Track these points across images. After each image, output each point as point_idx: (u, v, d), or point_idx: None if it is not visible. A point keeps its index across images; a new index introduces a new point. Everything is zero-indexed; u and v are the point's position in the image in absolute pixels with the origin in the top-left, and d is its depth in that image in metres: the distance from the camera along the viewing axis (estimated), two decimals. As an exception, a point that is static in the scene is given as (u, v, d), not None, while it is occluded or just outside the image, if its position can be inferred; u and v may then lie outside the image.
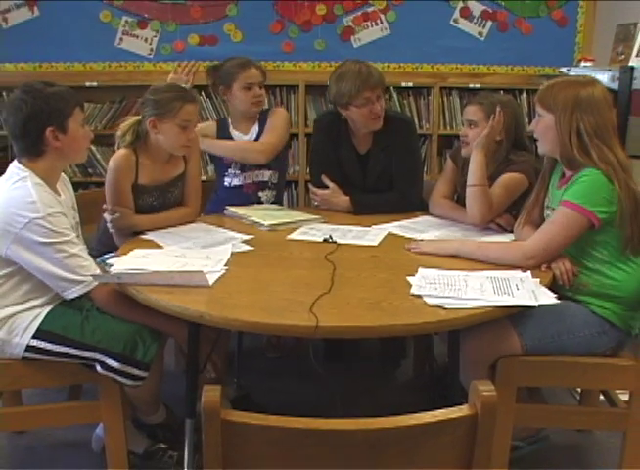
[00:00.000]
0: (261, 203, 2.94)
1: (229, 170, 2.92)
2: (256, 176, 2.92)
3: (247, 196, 2.91)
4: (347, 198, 2.80)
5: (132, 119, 2.52)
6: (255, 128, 2.95)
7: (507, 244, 2.25)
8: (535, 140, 2.19)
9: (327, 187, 2.84)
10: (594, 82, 2.10)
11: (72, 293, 1.98)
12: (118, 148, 2.50)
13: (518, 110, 2.66)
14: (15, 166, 2.04)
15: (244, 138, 2.93)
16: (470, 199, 2.44)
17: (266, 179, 2.93)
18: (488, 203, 2.42)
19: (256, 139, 2.92)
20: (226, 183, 2.93)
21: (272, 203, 2.97)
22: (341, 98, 2.66)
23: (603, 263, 2.05)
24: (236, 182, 2.92)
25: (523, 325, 1.96)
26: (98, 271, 2.00)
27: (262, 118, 2.97)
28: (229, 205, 2.79)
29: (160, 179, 2.54)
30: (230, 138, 2.92)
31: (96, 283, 1.97)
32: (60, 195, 2.10)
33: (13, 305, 2.02)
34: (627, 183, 1.99)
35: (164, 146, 2.49)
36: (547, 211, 2.21)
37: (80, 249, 2.00)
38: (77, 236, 2.16)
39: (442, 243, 2.25)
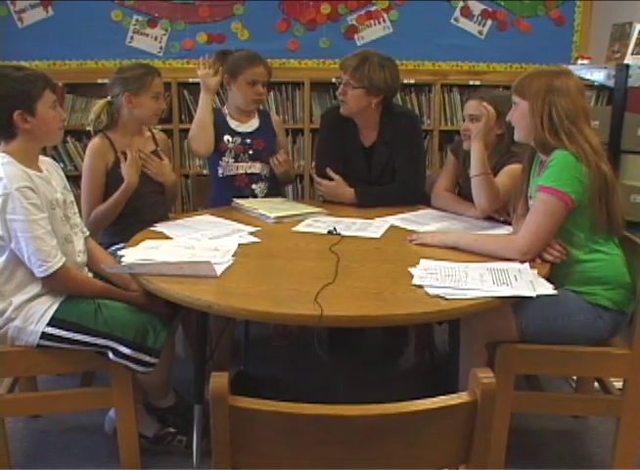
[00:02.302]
0: (256, 196, 2.96)
1: (223, 159, 2.93)
2: (249, 168, 2.94)
3: (239, 189, 2.93)
4: (352, 190, 2.85)
5: (101, 102, 2.65)
6: (255, 123, 2.98)
7: (503, 239, 2.27)
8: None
9: (332, 179, 2.90)
10: (568, 72, 2.16)
11: (37, 273, 2.01)
12: (94, 131, 2.65)
13: None
14: None
15: (241, 128, 2.95)
16: (476, 188, 2.48)
17: (258, 171, 2.96)
18: (494, 190, 2.46)
19: (255, 132, 2.96)
20: (220, 173, 2.94)
21: (268, 196, 2.98)
22: None
23: (580, 249, 2.09)
24: (228, 172, 2.93)
25: (519, 306, 1.99)
26: (58, 258, 2.01)
27: (263, 115, 3.03)
28: (225, 197, 2.85)
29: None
30: (228, 128, 2.94)
31: (54, 269, 2.00)
32: (42, 171, 2.12)
33: (18, 293, 2.05)
34: (597, 164, 2.02)
35: (139, 117, 2.64)
36: (531, 202, 2.23)
37: (44, 232, 1.99)
38: (73, 214, 2.22)
39: (442, 235, 2.28)
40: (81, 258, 2.22)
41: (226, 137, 2.92)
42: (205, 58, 2.90)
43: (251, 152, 2.92)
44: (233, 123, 2.95)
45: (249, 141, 2.93)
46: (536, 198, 2.09)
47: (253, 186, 2.96)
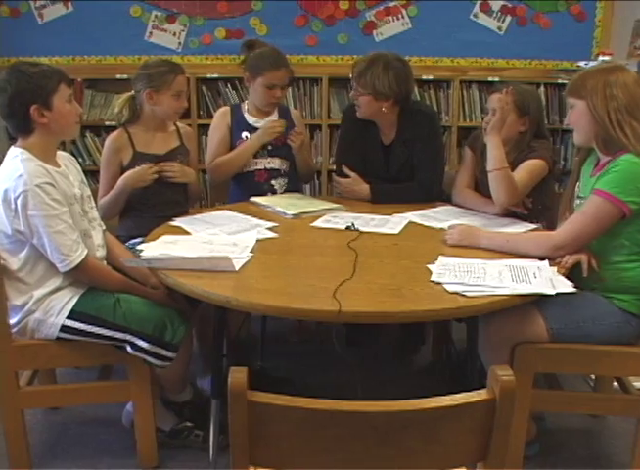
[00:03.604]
0: (275, 191, 2.96)
1: None
2: (268, 163, 2.93)
3: (258, 184, 2.92)
4: (367, 186, 2.85)
5: (125, 96, 2.66)
6: (273, 118, 2.95)
7: (535, 235, 2.25)
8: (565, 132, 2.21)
9: (348, 176, 2.89)
10: (622, 67, 2.11)
11: (60, 268, 2.04)
12: (118, 124, 2.68)
13: (541, 101, 2.68)
14: (12, 147, 2.09)
15: (259, 124, 2.94)
16: (494, 183, 2.45)
17: (277, 167, 2.95)
18: (513, 185, 2.43)
19: None
20: None
21: (287, 191, 2.97)
22: None
23: (622, 256, 2.05)
24: (247, 168, 2.91)
25: (548, 310, 1.97)
26: (80, 251, 2.04)
27: (283, 110, 3.02)
28: (245, 192, 2.86)
29: (157, 149, 2.67)
30: (246, 124, 2.93)
31: (76, 263, 2.02)
32: (60, 167, 2.13)
33: (39, 287, 2.07)
34: None
35: (160, 115, 2.65)
36: (577, 201, 2.21)
37: (65, 226, 2.01)
38: (90, 208, 2.24)
39: (472, 238, 2.21)
40: (100, 252, 2.23)
41: (244, 134, 2.92)
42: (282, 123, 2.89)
43: (269, 147, 2.91)
44: (251, 120, 2.95)
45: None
46: (589, 199, 2.04)
47: (273, 182, 2.95)
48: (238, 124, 2.93)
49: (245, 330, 2.68)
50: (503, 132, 2.46)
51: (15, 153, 2.05)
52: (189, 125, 3.14)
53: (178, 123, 2.81)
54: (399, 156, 2.85)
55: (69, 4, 4.24)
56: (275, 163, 2.95)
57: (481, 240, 2.20)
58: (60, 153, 2.21)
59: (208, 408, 2.28)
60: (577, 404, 2.19)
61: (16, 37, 4.22)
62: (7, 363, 2.08)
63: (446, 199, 2.83)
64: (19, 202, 1.96)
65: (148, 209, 2.65)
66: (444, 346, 2.98)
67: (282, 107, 3.05)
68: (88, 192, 2.28)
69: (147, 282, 2.18)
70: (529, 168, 2.51)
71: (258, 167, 2.93)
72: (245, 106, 2.99)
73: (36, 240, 2.01)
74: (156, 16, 4.31)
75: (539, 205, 2.61)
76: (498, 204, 2.50)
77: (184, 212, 2.72)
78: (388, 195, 2.83)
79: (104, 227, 2.35)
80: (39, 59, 4.19)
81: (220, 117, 2.97)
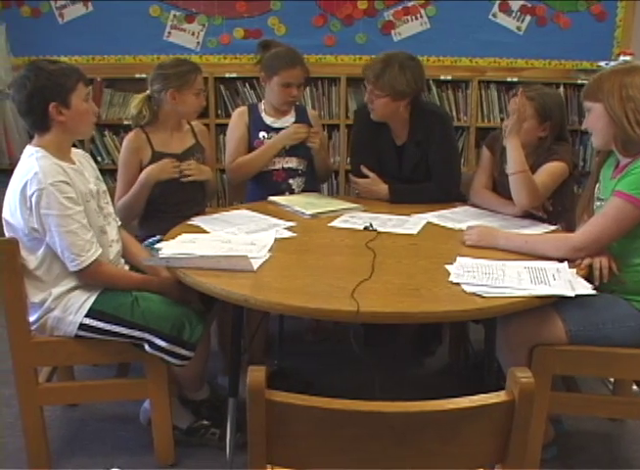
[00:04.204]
0: (293, 191, 2.96)
1: None
2: (286, 163, 2.93)
3: (276, 184, 2.92)
4: (386, 186, 2.84)
5: (140, 96, 2.67)
6: (290, 118, 2.97)
7: (554, 237, 2.24)
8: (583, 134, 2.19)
9: (367, 177, 2.89)
10: (638, 67, 2.08)
11: (70, 267, 2.04)
12: (135, 125, 2.68)
13: (563, 105, 2.64)
14: (28, 146, 2.11)
15: (277, 124, 2.95)
16: (515, 185, 2.43)
17: (294, 166, 2.95)
18: (534, 187, 2.41)
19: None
20: None
21: (304, 191, 2.98)
22: None
23: None
24: (265, 168, 2.91)
25: (567, 312, 1.96)
26: (92, 252, 2.04)
27: (300, 110, 3.02)
28: (263, 192, 2.86)
29: (174, 148, 2.68)
30: (264, 124, 2.94)
31: (87, 263, 2.03)
32: (74, 164, 2.14)
33: (56, 285, 2.09)
34: None
35: (182, 114, 2.67)
36: (597, 203, 2.19)
37: (79, 226, 2.02)
38: (106, 203, 2.25)
39: (490, 238, 2.20)
40: (115, 248, 2.25)
41: (262, 134, 2.92)
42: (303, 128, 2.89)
43: (287, 147, 2.92)
44: (268, 120, 2.95)
45: None
46: (610, 201, 2.03)
47: (290, 181, 2.96)
48: (255, 124, 2.94)
49: (262, 329, 2.68)
50: (522, 137, 2.44)
51: (30, 151, 2.06)
52: (206, 125, 3.15)
53: (192, 122, 2.82)
54: (412, 156, 2.84)
55: (89, 4, 4.29)
56: (293, 162, 2.95)
57: (500, 241, 2.19)
58: (74, 150, 2.22)
59: (225, 407, 2.29)
60: (596, 408, 2.17)
61: (37, 37, 4.28)
62: (26, 360, 2.10)
63: (465, 200, 2.82)
64: (33, 200, 1.97)
65: (167, 209, 2.66)
66: (461, 346, 2.97)
67: (299, 107, 3.05)
68: (104, 187, 2.29)
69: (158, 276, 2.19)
70: (551, 171, 2.49)
71: (276, 167, 2.93)
72: (262, 106, 3.00)
73: (48, 238, 2.02)
74: (174, 15, 4.33)
75: (559, 207, 2.59)
76: (519, 206, 2.48)
77: (202, 211, 2.73)
78: (406, 195, 2.82)
79: (119, 223, 2.36)
80: (59, 58, 4.24)
81: (238, 117, 2.98)
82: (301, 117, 3.00)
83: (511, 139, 2.42)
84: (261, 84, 3.06)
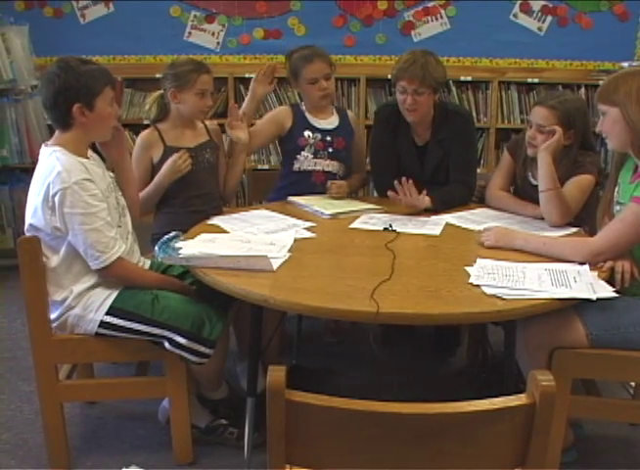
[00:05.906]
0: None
1: (302, 153, 2.90)
2: (327, 166, 2.92)
3: (314, 185, 2.89)
4: (428, 198, 2.66)
5: (154, 94, 2.73)
6: (334, 121, 2.96)
7: (573, 241, 2.22)
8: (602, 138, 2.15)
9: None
10: None
11: (93, 265, 2.05)
12: (150, 121, 2.75)
13: (587, 112, 2.57)
14: (43, 146, 2.12)
15: (322, 125, 2.93)
16: (547, 203, 2.40)
17: (334, 171, 2.93)
18: (565, 204, 2.39)
19: (335, 130, 2.93)
20: (295, 167, 2.91)
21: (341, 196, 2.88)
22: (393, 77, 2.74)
23: None
24: (306, 166, 2.91)
25: (588, 315, 1.94)
26: (115, 249, 2.05)
27: (341, 112, 3.01)
28: (297, 191, 2.84)
29: (187, 143, 2.71)
30: (308, 123, 2.92)
31: (112, 260, 2.04)
32: (89, 158, 2.15)
33: (77, 283, 2.10)
34: None
35: (185, 113, 2.69)
36: (617, 207, 2.17)
37: (103, 224, 2.03)
38: (120, 195, 2.27)
39: (508, 239, 2.19)
40: (130, 239, 2.26)
41: (307, 132, 2.91)
42: (264, 68, 2.87)
43: (330, 150, 2.91)
44: (312, 119, 2.94)
45: (329, 138, 2.92)
46: (628, 206, 2.02)
47: (328, 184, 2.90)
48: (300, 123, 2.93)
49: (279, 329, 2.68)
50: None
51: (48, 152, 2.07)
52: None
53: (206, 122, 2.85)
54: (433, 157, 2.82)
55: (111, 4, 4.33)
56: (334, 166, 2.94)
57: (517, 242, 2.18)
58: None
59: (243, 406, 2.29)
60: (616, 412, 2.15)
61: (59, 37, 4.33)
62: (47, 357, 2.12)
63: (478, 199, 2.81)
64: (56, 199, 1.98)
65: (181, 202, 2.69)
66: (480, 348, 2.96)
67: (340, 109, 3.05)
68: (112, 176, 2.31)
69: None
70: (579, 185, 2.45)
71: (317, 168, 2.92)
72: (303, 106, 2.99)
73: (71, 237, 2.03)
74: (195, 16, 4.36)
75: (583, 214, 2.55)
76: (550, 224, 2.44)
77: (218, 207, 2.74)
78: (448, 202, 2.73)
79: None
80: (82, 58, 4.29)
81: (282, 113, 2.96)
82: (344, 121, 2.99)
83: (544, 156, 2.39)
84: (294, 89, 3.06)
